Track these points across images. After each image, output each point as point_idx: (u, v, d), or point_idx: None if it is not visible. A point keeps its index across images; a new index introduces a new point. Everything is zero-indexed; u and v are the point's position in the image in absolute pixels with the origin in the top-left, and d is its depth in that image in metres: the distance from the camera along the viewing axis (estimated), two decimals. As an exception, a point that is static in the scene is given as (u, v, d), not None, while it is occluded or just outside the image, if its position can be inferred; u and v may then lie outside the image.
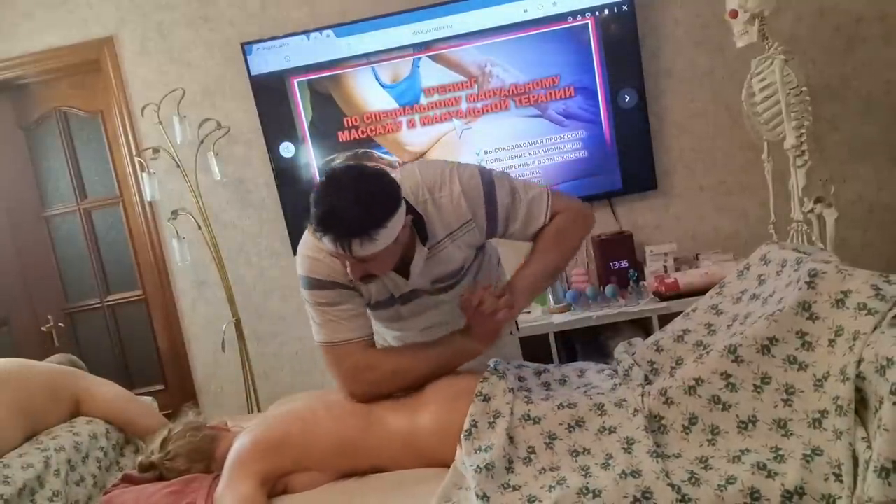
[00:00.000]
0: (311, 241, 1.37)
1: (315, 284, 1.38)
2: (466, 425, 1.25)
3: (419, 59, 2.90)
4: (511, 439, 1.23)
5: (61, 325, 3.31)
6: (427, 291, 1.49)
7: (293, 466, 1.33)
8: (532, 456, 1.21)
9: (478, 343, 1.43)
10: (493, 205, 1.40)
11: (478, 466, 1.17)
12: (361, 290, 1.43)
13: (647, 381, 1.32)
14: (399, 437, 1.32)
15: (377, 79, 2.93)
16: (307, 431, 1.34)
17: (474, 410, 1.27)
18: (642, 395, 1.24)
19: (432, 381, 1.40)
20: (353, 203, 1.20)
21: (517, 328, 1.86)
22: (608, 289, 2.74)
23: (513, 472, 1.19)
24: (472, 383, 1.33)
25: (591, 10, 2.81)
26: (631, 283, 2.74)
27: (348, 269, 1.30)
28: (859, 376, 1.03)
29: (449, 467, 1.25)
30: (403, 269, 1.40)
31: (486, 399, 1.29)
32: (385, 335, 1.68)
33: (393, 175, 1.36)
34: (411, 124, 2.95)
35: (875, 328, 1.05)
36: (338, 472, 1.34)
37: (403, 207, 1.27)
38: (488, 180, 1.40)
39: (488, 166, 1.50)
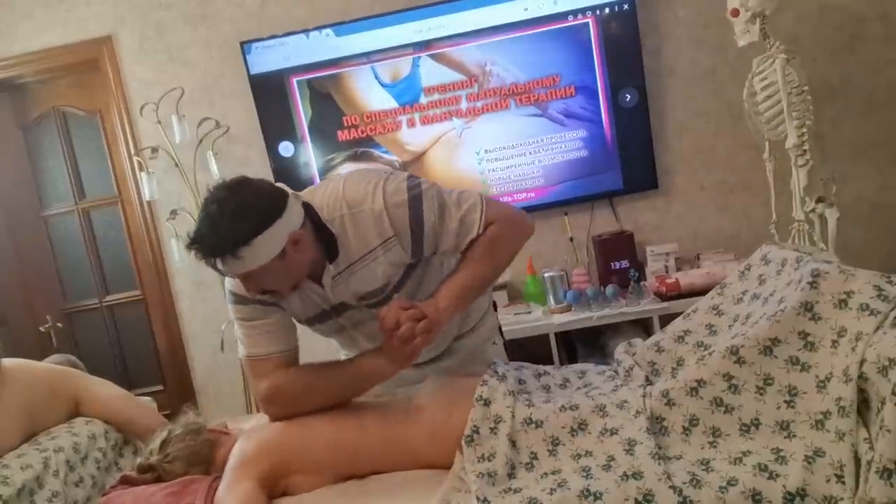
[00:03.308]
0: None
1: (236, 299, 1.36)
2: (467, 431, 1.24)
3: (419, 58, 2.89)
4: (513, 443, 1.22)
5: (60, 325, 3.30)
6: (355, 306, 1.40)
7: (292, 468, 1.33)
8: (535, 462, 1.21)
9: (393, 366, 1.32)
10: (420, 224, 1.30)
11: (480, 473, 1.16)
12: (284, 306, 1.38)
13: (648, 381, 1.31)
14: (396, 441, 1.31)
15: (377, 78, 2.92)
16: (305, 436, 1.34)
17: (475, 415, 1.25)
18: (644, 397, 1.23)
19: (350, 398, 1.37)
20: (215, 220, 1.17)
21: (501, 336, 1.73)
22: (609, 289, 2.74)
23: (514, 477, 1.19)
24: (470, 386, 1.32)
25: (592, 8, 2.81)
26: (632, 283, 2.73)
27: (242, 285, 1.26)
28: (861, 377, 1.03)
29: (446, 469, 1.24)
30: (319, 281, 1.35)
31: (487, 403, 1.27)
32: (342, 351, 1.61)
33: (307, 192, 1.33)
34: (411, 123, 2.94)
35: (877, 328, 1.05)
36: (336, 475, 1.34)
37: (285, 223, 1.20)
38: (415, 195, 1.30)
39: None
